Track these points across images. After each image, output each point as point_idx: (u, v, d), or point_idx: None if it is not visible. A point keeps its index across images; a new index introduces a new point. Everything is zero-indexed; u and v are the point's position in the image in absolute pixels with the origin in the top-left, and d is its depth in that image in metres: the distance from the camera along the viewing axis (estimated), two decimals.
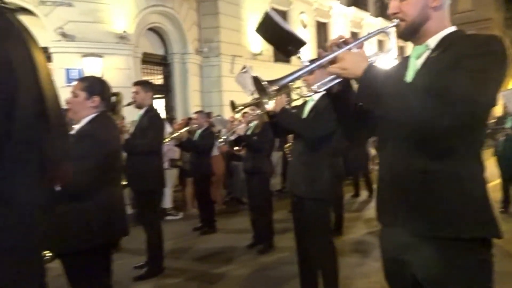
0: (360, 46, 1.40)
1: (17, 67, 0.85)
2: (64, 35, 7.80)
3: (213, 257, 4.60)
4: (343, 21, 16.02)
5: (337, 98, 1.51)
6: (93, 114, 2.37)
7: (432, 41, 1.42)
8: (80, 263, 2.19)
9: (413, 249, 1.38)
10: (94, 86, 2.42)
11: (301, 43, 2.16)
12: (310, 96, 1.78)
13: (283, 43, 2.19)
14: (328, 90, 1.45)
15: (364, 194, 7.81)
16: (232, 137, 4.60)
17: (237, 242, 5.00)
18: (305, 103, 3.00)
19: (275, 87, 1.31)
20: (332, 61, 1.35)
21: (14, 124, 0.83)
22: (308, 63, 1.38)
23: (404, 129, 1.33)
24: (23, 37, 0.90)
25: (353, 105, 1.50)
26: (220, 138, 4.96)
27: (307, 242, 2.89)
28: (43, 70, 0.92)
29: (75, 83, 2.46)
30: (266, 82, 1.31)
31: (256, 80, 1.33)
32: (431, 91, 1.22)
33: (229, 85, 10.55)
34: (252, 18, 11.45)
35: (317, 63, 1.37)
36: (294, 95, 3.23)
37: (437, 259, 1.33)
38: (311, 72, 1.40)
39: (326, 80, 1.41)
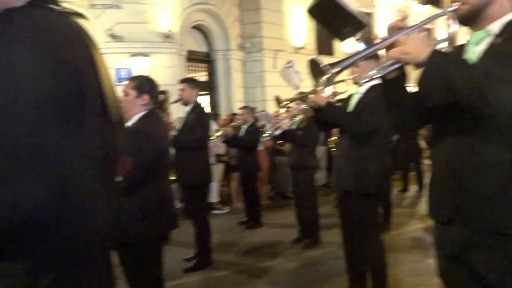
0: (420, 30, 1.31)
1: (84, 69, 0.91)
2: (113, 36, 8.12)
3: (259, 251, 4.65)
4: (389, 10, 15.50)
5: (391, 85, 1.44)
6: (143, 112, 2.46)
7: (494, 27, 1.34)
8: (134, 255, 2.29)
9: (475, 246, 1.32)
10: (144, 85, 2.51)
11: (361, 25, 2.03)
12: (367, 82, 1.68)
13: (340, 25, 2.06)
14: (382, 77, 1.38)
15: (413, 189, 7.56)
16: (277, 132, 4.60)
17: (283, 237, 5.02)
18: (350, 96, 2.94)
19: (336, 69, 1.23)
20: (391, 46, 1.28)
21: (85, 125, 0.90)
22: (366, 47, 1.31)
23: (473, 117, 1.25)
24: (85, 39, 0.96)
25: (406, 93, 1.43)
26: (265, 133, 4.98)
27: (354, 237, 2.85)
28: (103, 70, 0.98)
29: (125, 82, 2.57)
30: (326, 65, 1.23)
31: (314, 63, 1.26)
32: (502, 78, 1.16)
33: (272, 80, 10.54)
34: (294, 12, 11.36)
35: (377, 46, 1.30)
36: (338, 88, 3.18)
37: (504, 256, 1.26)
38: (359, 62, 1.35)
39: (384, 65, 1.34)
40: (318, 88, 1.25)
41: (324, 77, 1.23)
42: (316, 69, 1.26)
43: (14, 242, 0.84)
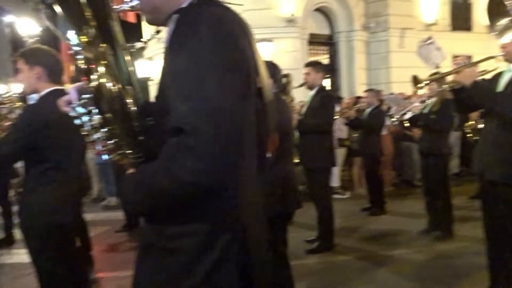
0: None
1: (249, 56, 1.01)
2: None
3: (383, 238, 4.50)
4: None
5: None
6: None
7: None
8: None
9: None
10: (268, 70, 2.58)
11: None
12: None
13: None
14: None
15: None
16: (407, 116, 4.33)
17: (409, 226, 4.77)
18: (498, 75, 2.60)
19: None
20: None
21: (250, 104, 1.00)
22: None
23: None
24: (246, 28, 1.06)
25: None
26: (393, 118, 4.73)
27: (501, 233, 2.55)
28: (258, 55, 1.06)
29: None
30: None
31: (496, 0, 1.07)
32: None
33: (398, 60, 9.95)
34: None
35: None
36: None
37: None
38: None
39: None
40: (493, 33, 1.03)
41: (505, 20, 1.05)
42: (497, 9, 1.07)
43: (196, 206, 0.98)
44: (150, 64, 9.49)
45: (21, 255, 3.94)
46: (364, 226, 5.00)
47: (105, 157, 1.04)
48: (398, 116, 4.54)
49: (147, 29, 9.85)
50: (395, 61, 10.11)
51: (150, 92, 9.50)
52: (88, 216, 3.69)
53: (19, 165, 4.75)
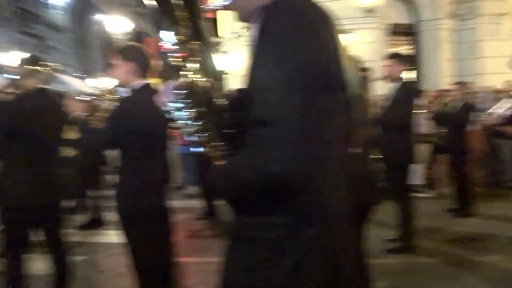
0: None
1: (331, 47, 1.01)
2: None
3: (471, 242, 4.19)
4: None
5: None
6: None
7: None
8: None
9: None
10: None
11: None
12: None
13: None
14: None
15: None
16: (502, 113, 3.95)
17: (501, 231, 4.38)
18: None
19: None
20: None
21: (332, 98, 0.99)
22: None
23: None
24: (329, 20, 1.06)
25: None
26: (485, 114, 4.35)
27: None
28: (341, 47, 1.06)
29: None
30: None
31: None
32: None
33: (490, 50, 9.15)
34: None
35: None
36: None
37: None
38: None
39: None
40: None
41: None
42: None
43: (282, 198, 0.99)
44: (225, 58, 9.72)
45: (110, 236, 4.31)
46: (449, 227, 4.69)
47: (199, 149, 1.09)
48: (491, 112, 4.16)
49: (223, 25, 10.13)
50: (487, 51, 9.29)
51: (226, 86, 9.76)
52: (170, 203, 3.89)
53: (114, 153, 5.14)
